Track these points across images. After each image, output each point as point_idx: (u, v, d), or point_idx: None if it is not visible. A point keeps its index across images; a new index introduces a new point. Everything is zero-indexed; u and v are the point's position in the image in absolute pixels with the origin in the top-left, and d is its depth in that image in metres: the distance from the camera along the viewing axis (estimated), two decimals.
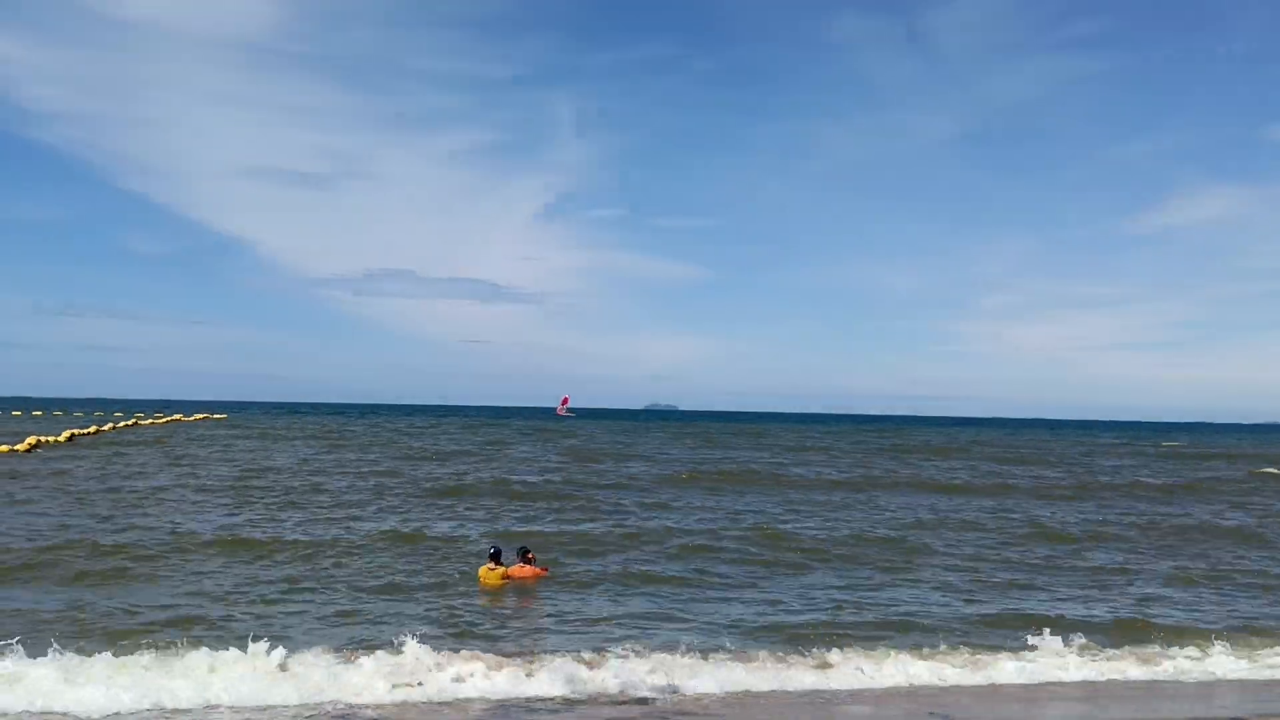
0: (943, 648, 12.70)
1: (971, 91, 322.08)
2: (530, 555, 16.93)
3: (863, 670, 11.79)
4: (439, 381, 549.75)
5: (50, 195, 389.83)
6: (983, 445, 74.83)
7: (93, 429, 66.34)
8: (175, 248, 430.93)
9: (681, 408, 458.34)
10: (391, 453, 50.24)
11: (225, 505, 25.46)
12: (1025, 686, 11.60)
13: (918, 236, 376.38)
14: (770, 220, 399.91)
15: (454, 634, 12.82)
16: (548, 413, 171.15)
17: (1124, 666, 12.47)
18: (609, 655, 11.65)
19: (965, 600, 16.01)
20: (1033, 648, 12.85)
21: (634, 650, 11.86)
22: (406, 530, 21.35)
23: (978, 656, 12.50)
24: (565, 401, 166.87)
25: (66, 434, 57.09)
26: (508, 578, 16.30)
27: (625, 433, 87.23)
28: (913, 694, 11.07)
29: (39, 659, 10.59)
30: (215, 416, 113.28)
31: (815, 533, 22.77)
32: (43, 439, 50.55)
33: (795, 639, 12.95)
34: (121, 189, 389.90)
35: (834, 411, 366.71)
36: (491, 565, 16.44)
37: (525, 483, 33.33)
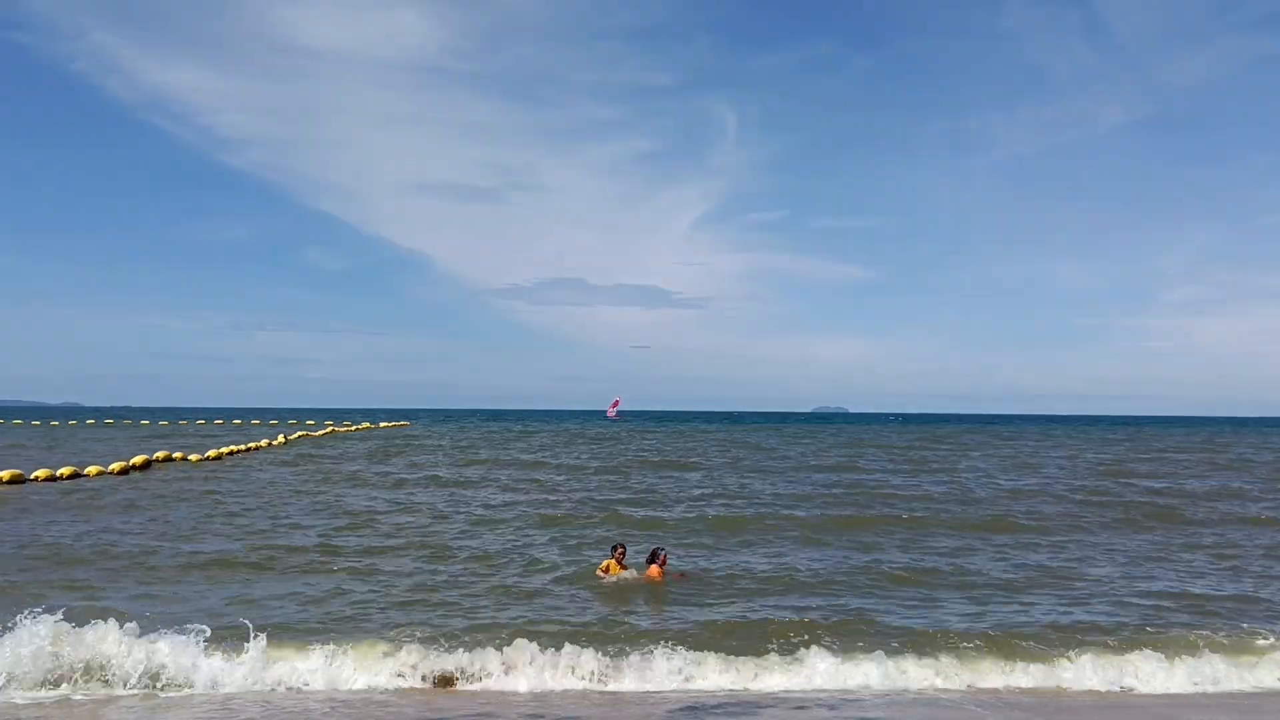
0: None
1: (1149, 77, 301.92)
2: (662, 558, 16.13)
3: None
4: (607, 387, 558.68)
5: (244, 217, 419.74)
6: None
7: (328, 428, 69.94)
8: (357, 263, 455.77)
9: (850, 410, 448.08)
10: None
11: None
12: None
13: (1094, 229, 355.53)
14: (936, 217, 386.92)
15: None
16: (721, 417, 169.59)
17: None
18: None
19: None
20: None
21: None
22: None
23: None
24: (616, 404, 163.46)
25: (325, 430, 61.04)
26: (629, 577, 15.77)
27: (793, 438, 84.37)
28: None
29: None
30: (399, 424, 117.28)
31: None
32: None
33: None
34: (308, 209, 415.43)
35: (1012, 412, 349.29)
36: (612, 561, 16.00)
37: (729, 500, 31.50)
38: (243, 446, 51.15)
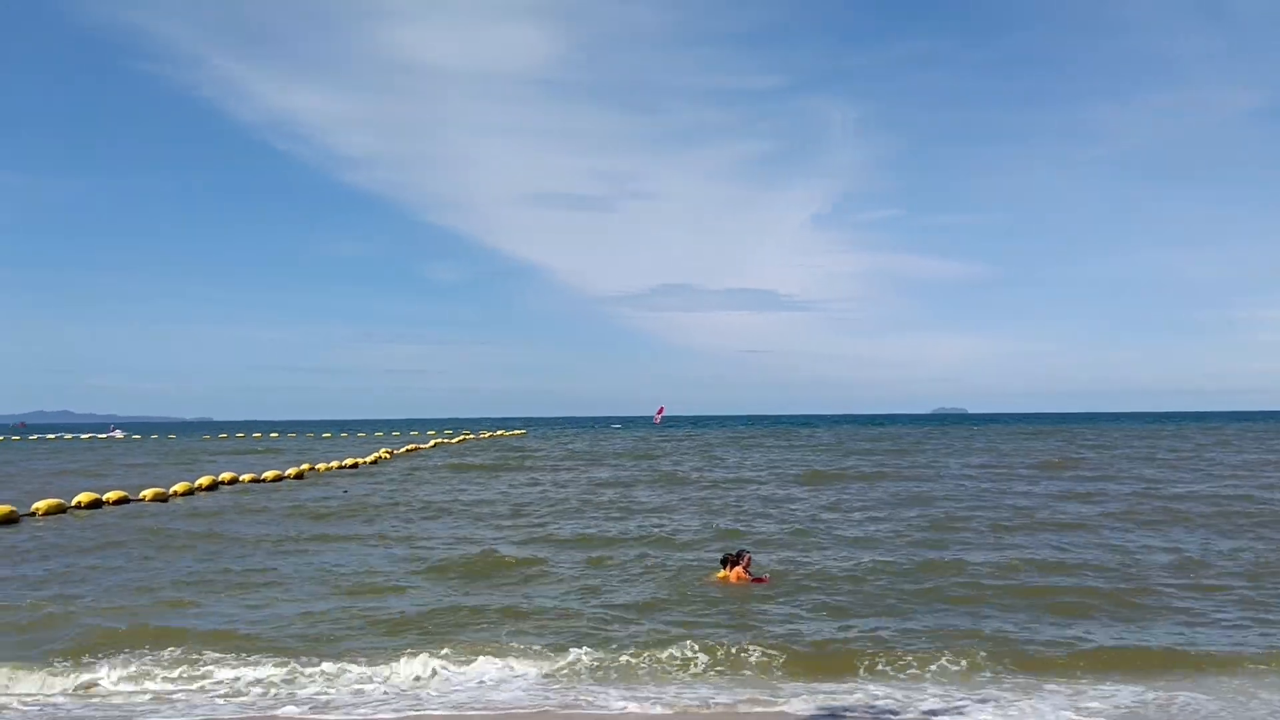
0: None
1: (1272, 61, 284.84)
2: (744, 561, 16.28)
3: None
4: (720, 392, 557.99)
5: (364, 232, 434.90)
6: None
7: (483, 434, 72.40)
8: (474, 274, 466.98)
9: (971, 411, 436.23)
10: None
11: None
12: None
13: (1219, 220, 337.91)
14: (1055, 211, 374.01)
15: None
16: (843, 420, 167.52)
17: None
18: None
19: None
20: None
21: None
22: None
23: None
24: (661, 411, 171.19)
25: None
26: (727, 581, 16.02)
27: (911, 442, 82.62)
28: None
29: None
30: (515, 433, 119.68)
31: None
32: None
33: None
34: (426, 222, 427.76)
35: (1134, 410, 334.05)
36: (727, 568, 16.26)
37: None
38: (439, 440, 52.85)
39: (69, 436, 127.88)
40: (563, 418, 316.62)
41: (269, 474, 40.76)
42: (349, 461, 49.89)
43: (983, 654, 11.45)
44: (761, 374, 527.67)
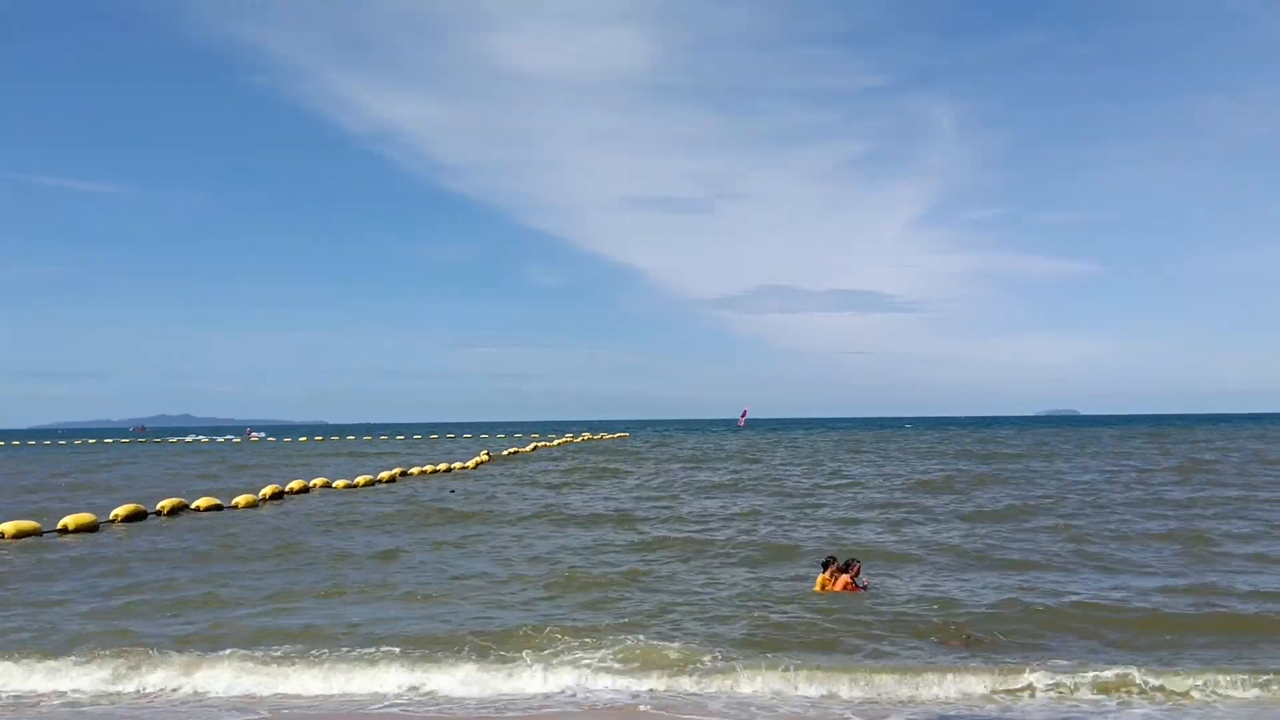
0: None
1: None
2: (842, 567, 16.01)
3: None
4: (820, 394, 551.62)
5: (465, 238, 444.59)
6: None
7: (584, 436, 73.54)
8: (572, 278, 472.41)
9: (1081, 412, 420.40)
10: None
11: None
12: None
13: None
14: (1164, 206, 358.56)
15: None
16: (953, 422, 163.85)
17: None
18: None
19: None
20: None
21: None
22: None
23: None
24: (745, 414, 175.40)
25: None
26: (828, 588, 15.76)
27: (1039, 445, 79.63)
28: None
29: None
30: (619, 435, 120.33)
31: None
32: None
33: None
34: (525, 228, 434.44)
35: (1259, 411, 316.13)
36: (828, 574, 16.02)
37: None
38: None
39: (205, 440, 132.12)
40: (662, 420, 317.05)
41: (415, 469, 43.87)
42: (456, 465, 50.95)
43: None
44: (864, 376, 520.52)
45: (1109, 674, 10.69)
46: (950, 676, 10.78)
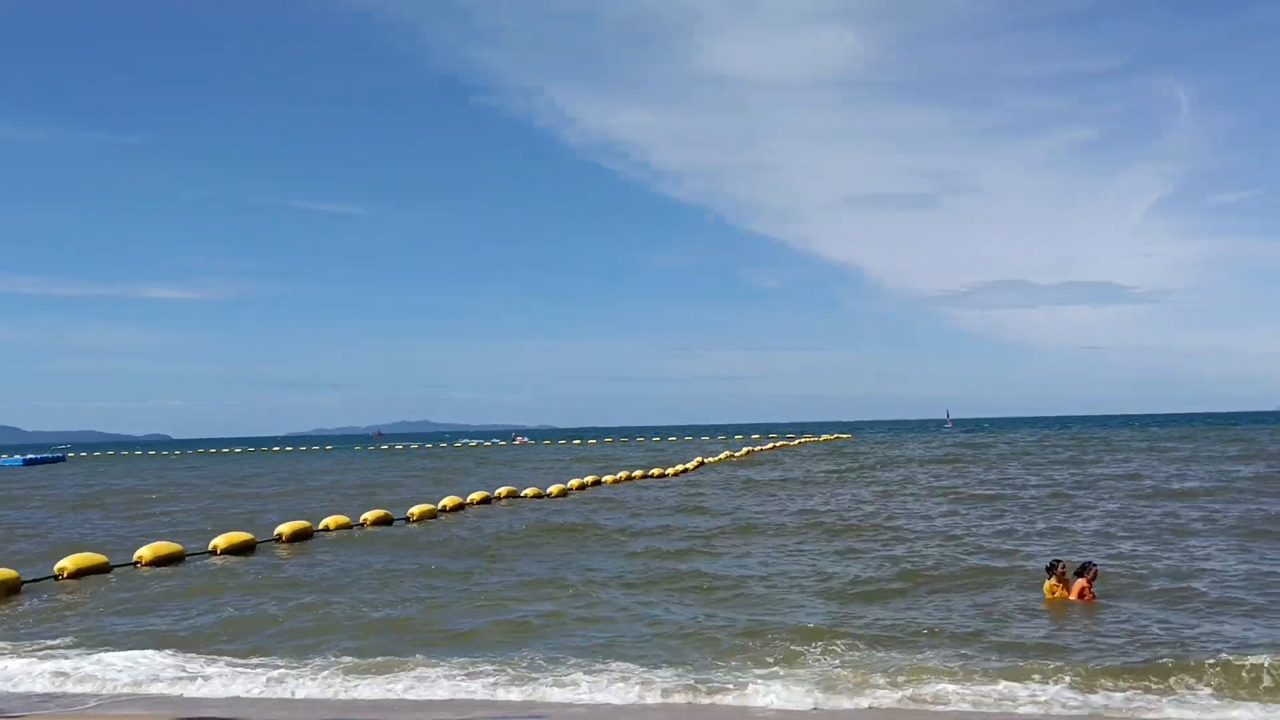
0: None
1: None
2: (1091, 574, 14.95)
3: None
4: (1055, 392, 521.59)
5: (684, 244, 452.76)
6: None
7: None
8: (792, 279, 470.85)
9: None
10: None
11: None
12: None
13: None
14: None
15: None
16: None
17: None
18: None
19: None
20: None
21: None
22: None
23: None
24: (949, 417, 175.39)
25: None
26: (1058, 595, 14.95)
27: None
28: None
29: None
30: (841, 436, 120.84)
31: None
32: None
33: None
34: (743, 231, 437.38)
35: None
36: (1055, 579, 15.11)
37: None
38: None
39: (474, 444, 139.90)
40: (886, 421, 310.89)
41: (668, 471, 47.04)
42: (693, 463, 54.63)
43: None
44: (1101, 371, 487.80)
45: None
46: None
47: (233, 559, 22.44)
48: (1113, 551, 19.84)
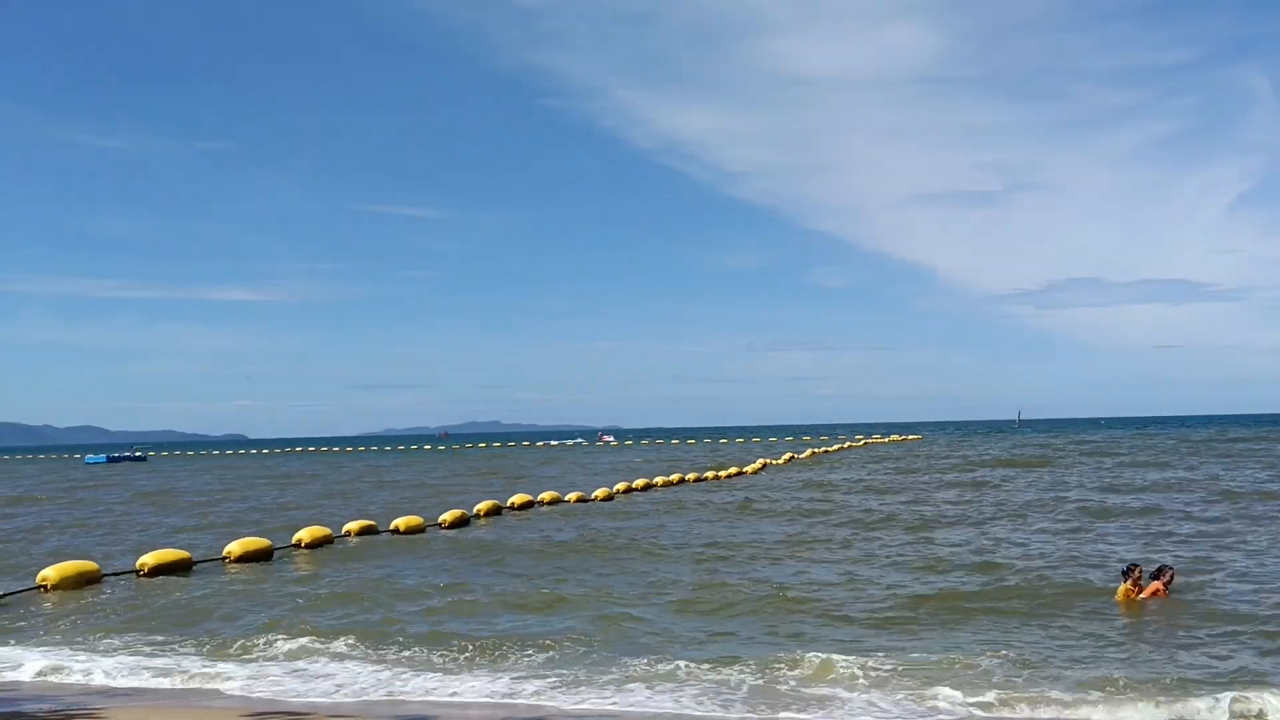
0: None
1: None
2: (1167, 576, 14.84)
3: None
4: (1130, 393, 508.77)
5: (751, 244, 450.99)
6: None
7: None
8: (859, 279, 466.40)
9: None
10: None
11: None
12: None
13: None
14: None
15: None
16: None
17: None
18: None
19: None
20: None
21: None
22: None
23: None
24: (1020, 415, 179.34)
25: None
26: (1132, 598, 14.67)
27: None
28: None
29: None
30: (911, 438, 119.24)
31: None
32: None
33: None
34: (810, 230, 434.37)
35: None
36: (1130, 582, 14.82)
37: None
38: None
39: (555, 444, 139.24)
40: (954, 421, 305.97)
41: (723, 471, 47.33)
42: (757, 465, 54.61)
43: None
44: (1178, 371, 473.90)
45: None
46: None
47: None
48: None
